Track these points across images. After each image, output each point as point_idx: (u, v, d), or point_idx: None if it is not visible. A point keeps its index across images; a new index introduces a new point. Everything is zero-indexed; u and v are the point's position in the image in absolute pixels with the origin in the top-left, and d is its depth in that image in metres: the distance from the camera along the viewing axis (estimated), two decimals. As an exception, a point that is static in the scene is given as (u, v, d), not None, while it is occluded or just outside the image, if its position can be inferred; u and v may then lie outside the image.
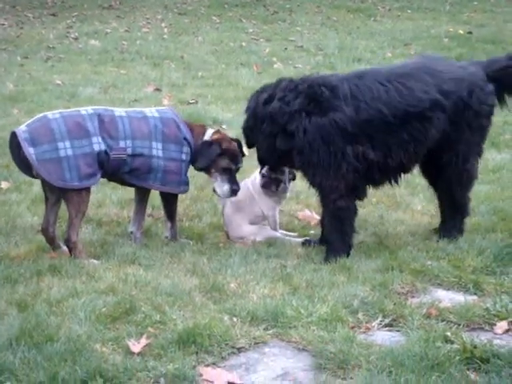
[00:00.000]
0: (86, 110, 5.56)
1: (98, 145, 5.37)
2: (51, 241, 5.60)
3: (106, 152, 5.39)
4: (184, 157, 5.67)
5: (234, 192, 5.81)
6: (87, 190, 5.43)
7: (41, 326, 4.35)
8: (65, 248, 5.54)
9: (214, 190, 5.91)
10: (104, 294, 4.85)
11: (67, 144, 5.29)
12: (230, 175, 5.84)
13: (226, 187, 5.80)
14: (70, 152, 5.28)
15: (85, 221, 6.11)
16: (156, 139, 5.57)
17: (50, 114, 5.47)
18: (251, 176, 6.19)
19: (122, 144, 5.46)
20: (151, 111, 5.75)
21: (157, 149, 5.55)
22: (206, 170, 5.85)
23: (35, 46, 14.84)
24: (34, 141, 5.28)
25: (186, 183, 5.74)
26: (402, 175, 5.89)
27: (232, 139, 5.99)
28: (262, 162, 5.87)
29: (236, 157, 5.89)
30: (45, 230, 5.59)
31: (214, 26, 17.41)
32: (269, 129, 5.57)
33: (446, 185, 5.87)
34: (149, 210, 6.22)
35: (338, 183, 5.46)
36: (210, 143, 5.78)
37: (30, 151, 5.26)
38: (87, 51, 14.02)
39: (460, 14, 19.38)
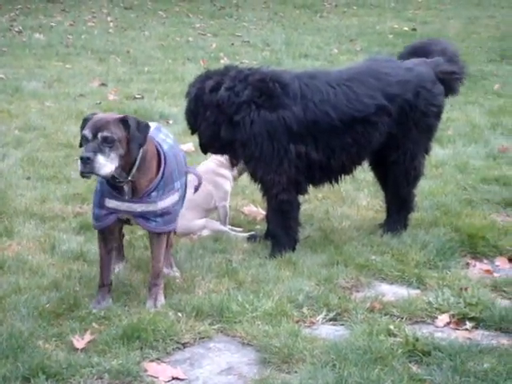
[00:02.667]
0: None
1: None
2: None
3: None
4: None
5: (81, 160, 4.31)
6: None
7: (-18, 323, 4.30)
8: None
9: None
10: (48, 290, 4.81)
11: None
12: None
13: (78, 160, 4.40)
14: None
15: (28, 216, 6.06)
16: None
17: None
18: (202, 166, 6.13)
19: None
20: None
21: None
22: None
23: (-22, 39, 14.62)
24: None
25: None
26: (343, 176, 5.94)
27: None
28: (204, 148, 5.84)
29: (84, 121, 4.54)
30: None
31: (161, 21, 17.33)
32: (214, 117, 5.53)
33: (393, 181, 5.94)
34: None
35: (280, 178, 5.48)
36: None
37: None
38: (31, 45, 13.84)
39: (405, 10, 19.62)
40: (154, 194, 4.56)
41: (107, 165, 4.32)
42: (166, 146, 4.75)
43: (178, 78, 11.43)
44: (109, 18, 17.42)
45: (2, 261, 5.23)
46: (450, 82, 5.95)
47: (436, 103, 5.84)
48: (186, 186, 4.98)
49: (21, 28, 15.65)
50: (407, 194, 5.98)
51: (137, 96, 10.21)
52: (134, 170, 4.48)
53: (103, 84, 10.93)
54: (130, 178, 4.49)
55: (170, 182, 4.64)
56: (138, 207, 4.57)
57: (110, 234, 4.75)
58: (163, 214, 4.63)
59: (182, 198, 4.95)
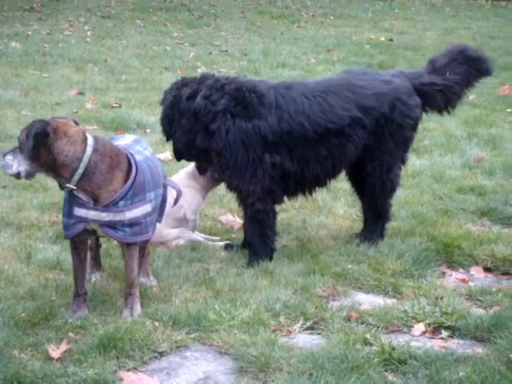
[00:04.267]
0: None
1: None
2: None
3: None
4: None
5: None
6: None
7: (-43, 333, 4.28)
8: None
9: None
10: (23, 300, 4.79)
11: None
12: None
13: None
14: None
15: (4, 225, 6.04)
16: None
17: None
18: (173, 177, 6.13)
19: None
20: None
21: None
22: None
23: (-46, 47, 14.53)
24: None
25: None
26: (318, 188, 5.97)
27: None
28: (178, 156, 5.84)
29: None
30: None
31: (138, 30, 17.31)
32: (189, 125, 5.55)
33: (370, 192, 5.96)
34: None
35: (255, 187, 5.50)
36: None
37: None
38: (7, 53, 13.77)
39: (382, 21, 19.72)
40: (121, 203, 4.55)
41: (13, 166, 4.53)
42: (141, 157, 4.74)
43: (155, 87, 11.42)
44: (86, 27, 17.37)
45: (-22, 270, 5.20)
46: (430, 94, 5.98)
47: (412, 115, 5.87)
48: (164, 198, 4.98)
49: (-3, 36, 15.58)
50: (383, 204, 6.01)
51: (114, 105, 10.20)
52: (76, 177, 4.46)
53: (80, 93, 10.90)
54: (71, 185, 4.48)
55: (140, 193, 4.62)
56: (106, 216, 4.55)
57: (81, 244, 4.74)
58: (132, 224, 4.61)
59: (159, 209, 4.94)
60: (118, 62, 13.50)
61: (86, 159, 4.47)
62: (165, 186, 4.96)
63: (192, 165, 6.10)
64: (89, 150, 4.48)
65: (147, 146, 5.01)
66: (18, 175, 4.56)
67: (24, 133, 4.50)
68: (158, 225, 5.58)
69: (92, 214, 4.54)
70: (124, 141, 4.94)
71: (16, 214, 6.30)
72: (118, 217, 4.55)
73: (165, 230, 5.90)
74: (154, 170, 4.81)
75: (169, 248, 5.84)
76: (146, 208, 4.67)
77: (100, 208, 4.53)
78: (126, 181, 4.57)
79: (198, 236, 6.04)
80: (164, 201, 4.98)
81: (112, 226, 4.58)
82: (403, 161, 6.07)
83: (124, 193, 4.54)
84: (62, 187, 4.58)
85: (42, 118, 8.77)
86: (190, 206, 6.01)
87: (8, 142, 8.21)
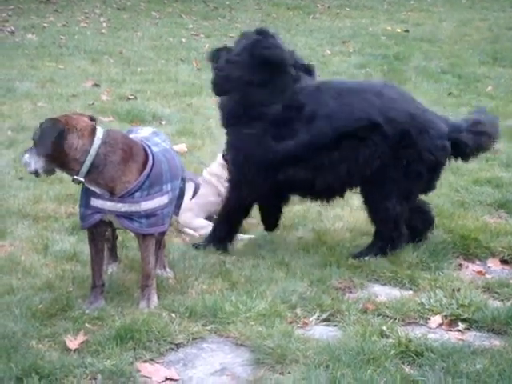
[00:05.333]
0: None
1: None
2: None
3: None
4: None
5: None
6: None
7: (-25, 324, 4.30)
8: None
9: None
10: (41, 291, 4.81)
11: None
12: None
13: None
14: None
15: (21, 216, 6.06)
16: None
17: None
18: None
19: None
20: None
21: None
22: None
23: (-30, 39, 14.59)
24: None
25: None
26: (332, 197, 5.77)
27: None
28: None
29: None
30: None
31: (154, 22, 17.31)
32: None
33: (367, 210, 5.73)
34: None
35: (249, 185, 5.60)
36: None
37: None
38: (24, 45, 13.80)
39: (397, 12, 19.63)
40: (137, 194, 4.56)
41: (31, 163, 4.57)
42: (158, 149, 4.75)
43: (170, 79, 11.43)
44: (102, 19, 17.39)
45: (-5, 261, 5.23)
46: (457, 151, 5.64)
47: (436, 154, 5.50)
48: (182, 191, 4.99)
49: (13, 28, 15.61)
50: (378, 224, 5.69)
51: (130, 97, 10.21)
52: (84, 169, 4.50)
53: (96, 84, 10.92)
54: (79, 178, 4.52)
55: (157, 184, 4.63)
56: (122, 207, 4.56)
57: (98, 235, 4.76)
58: (148, 215, 4.62)
59: (177, 202, 4.96)
60: (134, 53, 13.50)
61: (93, 152, 4.49)
62: (183, 179, 4.96)
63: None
64: (96, 142, 4.50)
65: (166, 139, 5.03)
66: (36, 173, 4.61)
67: (37, 132, 4.55)
68: (188, 213, 5.67)
69: (108, 205, 4.56)
70: (142, 133, 4.96)
71: (33, 205, 6.33)
72: (134, 207, 4.56)
73: (195, 220, 5.94)
74: (172, 162, 4.81)
75: (184, 240, 5.85)
76: (163, 200, 4.67)
77: (116, 199, 4.54)
78: (141, 172, 4.58)
79: None
80: (182, 194, 4.99)
81: (128, 216, 4.59)
82: (407, 198, 5.63)
83: (140, 184, 4.55)
84: (73, 180, 4.61)
85: (58, 110, 8.86)
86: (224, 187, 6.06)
87: (24, 134, 8.24)
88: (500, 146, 8.32)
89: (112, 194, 4.54)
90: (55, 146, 4.46)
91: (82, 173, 4.51)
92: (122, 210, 4.57)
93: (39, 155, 4.53)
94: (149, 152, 4.65)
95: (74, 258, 5.35)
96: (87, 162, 4.49)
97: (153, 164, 4.62)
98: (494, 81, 12.04)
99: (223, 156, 6.08)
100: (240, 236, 5.91)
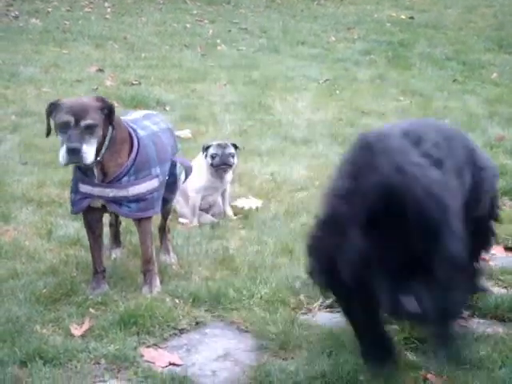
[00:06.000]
0: None
1: None
2: None
3: None
4: None
5: (70, 152, 4.31)
6: None
7: (-21, 308, 4.31)
8: None
9: None
10: (45, 276, 4.81)
11: None
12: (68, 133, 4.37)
13: (62, 149, 4.34)
14: None
15: (25, 201, 6.06)
16: None
17: None
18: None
19: None
20: None
21: None
22: None
23: (-26, 24, 14.57)
24: None
25: None
26: None
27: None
28: None
29: (53, 106, 4.48)
30: None
31: (158, 7, 17.27)
32: None
33: None
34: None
35: None
36: None
37: None
38: (28, 30, 13.79)
39: (403, -1, 19.57)
40: (125, 178, 4.55)
41: (91, 153, 4.35)
42: (145, 133, 4.72)
43: (175, 65, 11.41)
44: (106, 4, 17.35)
45: (-1, 246, 5.24)
46: None
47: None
48: (174, 175, 4.97)
49: (17, 13, 15.59)
50: None
51: (134, 82, 10.19)
52: (103, 149, 4.46)
53: (100, 70, 10.91)
54: (99, 159, 4.46)
55: (144, 168, 4.61)
56: (110, 192, 4.55)
57: (94, 222, 4.76)
58: (137, 200, 4.61)
59: (172, 187, 4.95)
60: (138, 39, 13.48)
61: (113, 132, 4.49)
62: (174, 163, 4.96)
63: None
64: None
65: (160, 121, 4.99)
66: (93, 162, 4.42)
67: (100, 111, 4.40)
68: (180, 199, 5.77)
69: (96, 191, 4.55)
70: (131, 116, 4.94)
71: (37, 190, 6.33)
72: (122, 193, 4.55)
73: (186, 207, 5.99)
74: (160, 146, 4.78)
75: (187, 226, 5.85)
76: (153, 183, 4.65)
77: (104, 184, 4.54)
78: (129, 156, 4.58)
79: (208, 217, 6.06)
80: (175, 179, 4.98)
81: (117, 201, 4.59)
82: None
83: (128, 168, 4.54)
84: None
85: (62, 95, 8.84)
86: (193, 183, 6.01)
87: (29, 118, 8.27)
88: (505, 134, 8.31)
89: (105, 177, 4.53)
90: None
91: (102, 155, 4.47)
92: (111, 195, 4.56)
93: (97, 140, 4.38)
94: (134, 136, 4.63)
95: (77, 243, 5.35)
96: (106, 142, 4.47)
97: (138, 148, 4.60)
98: (499, 68, 12.00)
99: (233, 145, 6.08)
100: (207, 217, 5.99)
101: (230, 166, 6.01)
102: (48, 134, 4.58)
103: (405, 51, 12.97)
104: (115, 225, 5.24)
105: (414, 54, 12.75)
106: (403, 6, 18.37)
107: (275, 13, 17.05)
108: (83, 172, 4.57)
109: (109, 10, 16.64)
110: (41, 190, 6.35)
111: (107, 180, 4.54)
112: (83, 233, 5.41)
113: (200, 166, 5.98)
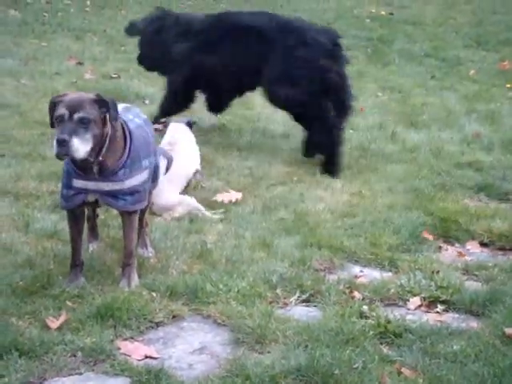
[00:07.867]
0: None
1: None
2: None
3: None
4: None
5: (57, 142, 4.26)
6: None
7: (-45, 300, 4.30)
8: None
9: None
10: (21, 268, 4.79)
11: None
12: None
13: (54, 141, 4.30)
14: None
15: (2, 194, 6.04)
16: None
17: None
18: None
19: None
20: None
21: None
22: None
23: (-48, 15, 14.44)
24: None
25: None
26: None
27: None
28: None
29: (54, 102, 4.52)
30: None
31: (138, 1, 17.20)
32: None
33: None
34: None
35: None
36: None
37: None
38: (6, 22, 13.68)
39: (383, -5, 19.60)
40: (121, 172, 4.55)
41: (82, 147, 4.29)
42: (133, 125, 4.73)
43: (154, 58, 11.36)
44: (85, -4, 17.25)
45: (-25, 238, 5.22)
46: None
47: None
48: (158, 166, 4.99)
49: (-5, 5, 15.48)
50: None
51: (113, 75, 10.17)
52: (104, 149, 4.45)
53: (79, 63, 10.86)
54: (100, 158, 4.45)
55: (137, 161, 4.62)
56: (106, 186, 4.55)
57: (80, 214, 4.76)
58: (132, 192, 4.62)
59: (155, 177, 4.96)
60: (117, 32, 13.37)
61: (112, 130, 4.49)
62: (155, 154, 4.97)
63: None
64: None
65: (138, 114, 4.99)
66: (84, 156, 4.34)
67: (97, 106, 4.41)
68: (169, 191, 5.84)
69: (91, 185, 4.54)
70: None
71: (14, 182, 6.30)
72: (117, 186, 4.55)
73: (173, 195, 5.97)
74: (146, 138, 4.80)
75: (166, 219, 5.83)
76: (144, 176, 4.67)
77: (99, 178, 4.53)
78: (124, 150, 4.58)
79: (199, 205, 6.03)
80: (157, 170, 5.00)
81: (113, 195, 4.59)
82: None
83: (123, 162, 4.54)
84: (88, 162, 4.44)
85: (41, 87, 8.79)
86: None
87: (7, 110, 8.21)
88: (482, 130, 8.38)
89: (102, 173, 4.52)
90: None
91: (102, 154, 4.45)
92: (106, 189, 4.55)
93: (92, 135, 4.34)
94: (126, 129, 4.64)
95: (54, 236, 5.33)
96: (107, 142, 4.46)
97: (131, 141, 4.61)
98: (477, 64, 12.09)
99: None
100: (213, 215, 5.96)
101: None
102: (52, 126, 4.51)
103: (384, 47, 13.02)
104: (93, 218, 5.24)
105: (393, 50, 12.81)
106: (383, 2, 18.40)
107: (255, 7, 17.01)
108: (79, 168, 4.52)
109: (88, 2, 16.53)
110: (18, 182, 6.31)
111: (103, 174, 4.53)
112: (60, 226, 5.41)
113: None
